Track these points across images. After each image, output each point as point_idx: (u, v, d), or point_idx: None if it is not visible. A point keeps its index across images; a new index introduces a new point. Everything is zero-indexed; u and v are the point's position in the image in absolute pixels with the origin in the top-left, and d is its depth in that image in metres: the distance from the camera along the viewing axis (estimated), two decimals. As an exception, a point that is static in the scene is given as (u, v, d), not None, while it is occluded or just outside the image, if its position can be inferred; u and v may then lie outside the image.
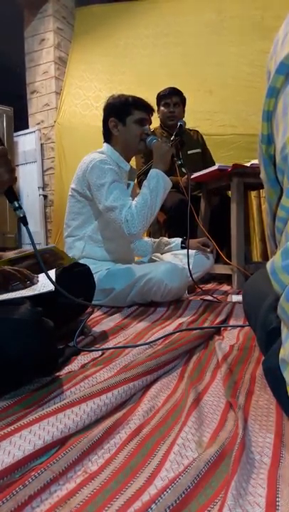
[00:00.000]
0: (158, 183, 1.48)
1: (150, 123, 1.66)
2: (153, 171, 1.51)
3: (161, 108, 2.47)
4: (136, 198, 1.48)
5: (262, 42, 2.94)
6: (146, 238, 2.01)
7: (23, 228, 0.89)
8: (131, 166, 1.69)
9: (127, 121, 1.60)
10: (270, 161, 0.60)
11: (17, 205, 0.85)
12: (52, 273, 1.01)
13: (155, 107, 2.44)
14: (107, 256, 1.64)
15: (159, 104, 2.48)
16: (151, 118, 1.67)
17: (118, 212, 1.45)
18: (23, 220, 0.86)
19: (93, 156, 1.59)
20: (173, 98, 2.43)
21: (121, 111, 1.60)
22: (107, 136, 1.67)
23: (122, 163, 1.63)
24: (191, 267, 1.61)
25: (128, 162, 1.68)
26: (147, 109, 1.62)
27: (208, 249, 1.84)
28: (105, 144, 1.67)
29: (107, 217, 1.52)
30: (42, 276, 1.03)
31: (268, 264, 0.48)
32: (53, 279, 0.96)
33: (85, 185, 1.58)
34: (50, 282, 0.94)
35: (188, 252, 1.62)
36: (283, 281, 0.45)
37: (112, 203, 1.46)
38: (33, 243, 0.87)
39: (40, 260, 0.87)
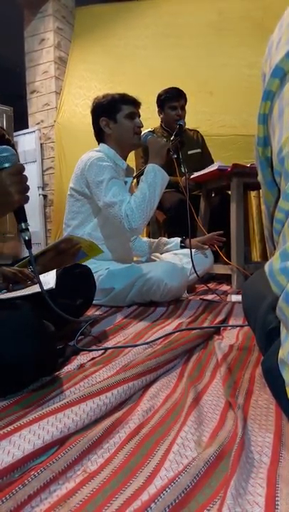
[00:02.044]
0: (155, 177, 1.48)
1: (139, 116, 1.67)
2: (149, 166, 1.51)
3: (168, 110, 2.45)
4: (135, 193, 1.48)
5: (262, 43, 2.88)
6: (145, 238, 2.01)
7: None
8: (127, 164, 1.70)
9: (118, 118, 1.62)
10: (267, 163, 0.60)
11: (24, 227, 0.80)
12: (52, 273, 1.02)
13: (153, 107, 2.45)
14: (107, 254, 1.64)
15: (162, 106, 2.47)
16: (143, 115, 1.68)
17: (118, 207, 1.45)
18: (28, 244, 0.81)
19: (90, 154, 1.60)
20: (180, 101, 2.42)
21: (110, 109, 1.62)
22: (101, 137, 1.69)
23: (118, 161, 1.64)
24: (191, 267, 1.62)
25: (125, 160, 1.69)
26: (134, 102, 1.64)
27: (206, 247, 1.84)
28: (101, 144, 1.68)
29: (107, 213, 1.52)
30: (42, 276, 1.03)
31: (266, 266, 0.48)
32: (54, 279, 0.96)
33: (84, 184, 1.58)
34: (50, 281, 0.95)
35: (191, 251, 1.63)
36: (281, 283, 0.45)
37: (111, 198, 1.46)
38: (33, 266, 0.84)
39: (36, 270, 0.85)
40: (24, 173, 0.78)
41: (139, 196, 1.45)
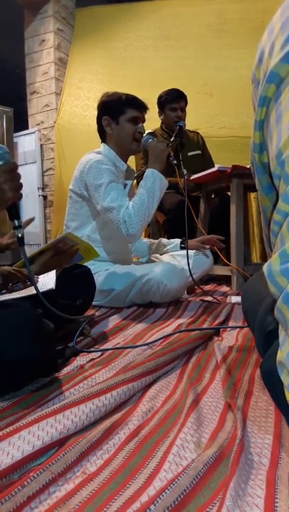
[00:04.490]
0: (154, 182, 1.47)
1: (144, 121, 1.65)
2: (149, 171, 1.50)
3: (168, 112, 2.45)
4: (133, 199, 1.48)
5: (261, 44, 2.95)
6: (145, 239, 2.02)
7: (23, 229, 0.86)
8: (128, 166, 1.69)
9: (120, 120, 1.60)
10: (264, 169, 0.60)
11: (17, 225, 0.81)
12: (52, 274, 1.02)
13: (154, 108, 2.46)
14: (106, 256, 1.64)
15: (162, 107, 2.47)
16: (145, 116, 1.66)
17: (116, 213, 1.45)
18: (21, 241, 0.82)
19: (90, 156, 1.59)
20: (180, 103, 2.42)
21: (114, 109, 1.60)
22: (102, 135, 1.68)
23: (118, 163, 1.64)
24: (191, 268, 1.62)
25: (125, 161, 1.68)
26: (141, 107, 1.62)
27: (207, 247, 1.84)
28: (102, 144, 1.68)
29: (105, 217, 1.52)
30: (42, 277, 1.04)
31: (265, 267, 0.48)
32: (53, 279, 0.96)
33: (83, 186, 1.58)
34: (50, 282, 0.95)
35: (187, 252, 1.63)
36: (281, 284, 0.45)
37: (109, 203, 1.46)
38: (26, 265, 0.84)
39: (30, 269, 0.85)
40: (17, 171, 0.79)
41: (138, 202, 1.44)
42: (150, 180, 1.48)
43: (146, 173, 1.51)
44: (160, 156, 1.53)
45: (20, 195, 0.80)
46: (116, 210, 1.45)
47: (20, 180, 0.80)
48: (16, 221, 0.81)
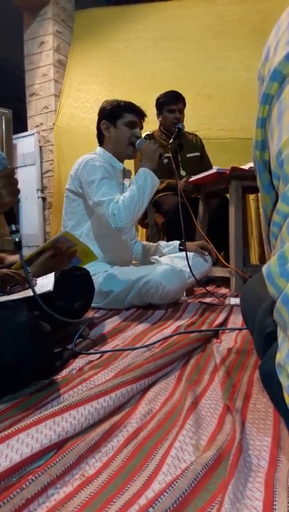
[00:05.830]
0: (146, 180, 1.51)
1: (141, 127, 1.70)
2: (141, 169, 1.54)
3: (166, 113, 2.47)
4: (123, 194, 1.51)
5: (260, 47, 2.91)
6: (144, 242, 2.02)
7: (23, 230, 0.86)
8: (124, 167, 1.72)
9: (118, 124, 1.66)
10: (265, 167, 0.60)
11: (14, 229, 0.82)
12: (51, 276, 1.02)
13: (152, 110, 2.46)
14: (101, 254, 1.64)
15: (161, 109, 2.48)
16: (143, 122, 1.71)
17: (105, 206, 1.48)
18: (18, 245, 0.83)
19: (85, 156, 1.65)
20: (178, 104, 2.44)
21: (112, 114, 1.66)
22: (100, 139, 1.73)
23: (115, 163, 1.68)
24: (189, 270, 1.62)
25: (122, 162, 1.72)
26: (138, 113, 1.67)
27: (206, 253, 1.84)
28: (98, 147, 1.73)
29: (96, 212, 1.55)
30: (41, 279, 1.03)
31: (264, 268, 0.48)
32: (52, 281, 0.96)
33: (78, 184, 1.62)
34: (48, 283, 0.95)
35: (186, 254, 1.63)
36: (280, 285, 0.45)
37: (100, 197, 1.50)
38: (24, 268, 0.84)
39: (27, 273, 0.85)
40: (15, 177, 0.81)
41: (128, 197, 1.47)
42: (142, 177, 1.51)
43: (138, 171, 1.55)
44: (152, 156, 1.56)
45: (18, 201, 0.81)
46: (106, 204, 1.48)
47: (20, 183, 0.81)
48: (13, 226, 0.82)
